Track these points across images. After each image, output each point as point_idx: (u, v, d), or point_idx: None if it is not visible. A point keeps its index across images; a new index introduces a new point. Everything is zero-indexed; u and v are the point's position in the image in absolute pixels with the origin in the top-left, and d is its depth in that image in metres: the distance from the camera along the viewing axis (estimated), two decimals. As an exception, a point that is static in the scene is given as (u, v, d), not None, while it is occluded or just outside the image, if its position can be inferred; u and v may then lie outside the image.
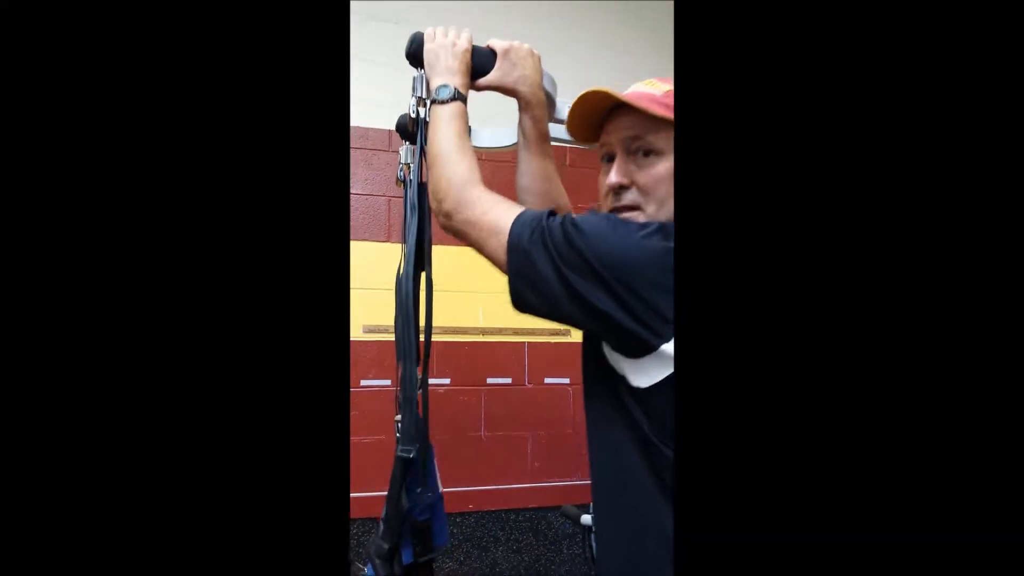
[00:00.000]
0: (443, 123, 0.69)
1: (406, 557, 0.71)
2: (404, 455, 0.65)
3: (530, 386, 1.77)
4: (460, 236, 0.65)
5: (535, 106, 0.78)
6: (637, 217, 0.62)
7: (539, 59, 0.79)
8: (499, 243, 0.59)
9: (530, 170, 0.80)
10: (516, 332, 1.77)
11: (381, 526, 0.71)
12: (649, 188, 0.61)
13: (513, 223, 0.59)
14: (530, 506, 1.69)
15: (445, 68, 0.72)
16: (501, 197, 0.64)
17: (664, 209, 0.61)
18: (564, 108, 0.94)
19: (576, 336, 1.83)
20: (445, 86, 0.71)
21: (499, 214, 0.61)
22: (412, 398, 0.67)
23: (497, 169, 1.79)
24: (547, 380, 1.78)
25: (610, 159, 0.65)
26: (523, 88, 0.76)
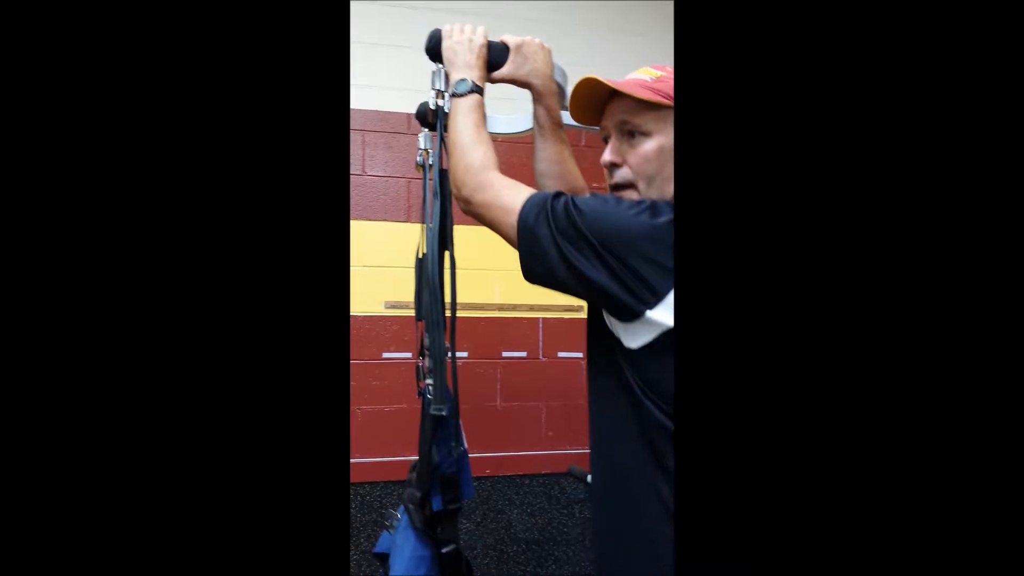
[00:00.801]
0: (462, 115, 0.76)
1: (436, 504, 0.79)
2: (437, 412, 0.74)
3: (544, 359, 1.85)
4: (478, 218, 0.72)
5: (547, 96, 0.84)
6: (630, 194, 0.69)
7: (549, 52, 0.85)
8: (511, 222, 0.66)
9: (546, 155, 0.87)
10: (531, 308, 1.85)
11: (413, 477, 0.80)
12: (638, 165, 0.68)
13: (523, 204, 0.66)
14: (543, 472, 1.79)
15: (463, 63, 0.78)
16: (514, 181, 0.71)
17: (654, 184, 0.67)
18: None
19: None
20: (463, 80, 0.77)
21: (511, 197, 0.68)
22: (442, 363, 0.75)
23: (513, 150, 1.85)
24: (560, 354, 1.86)
25: (607, 140, 0.72)
26: (535, 80, 0.83)
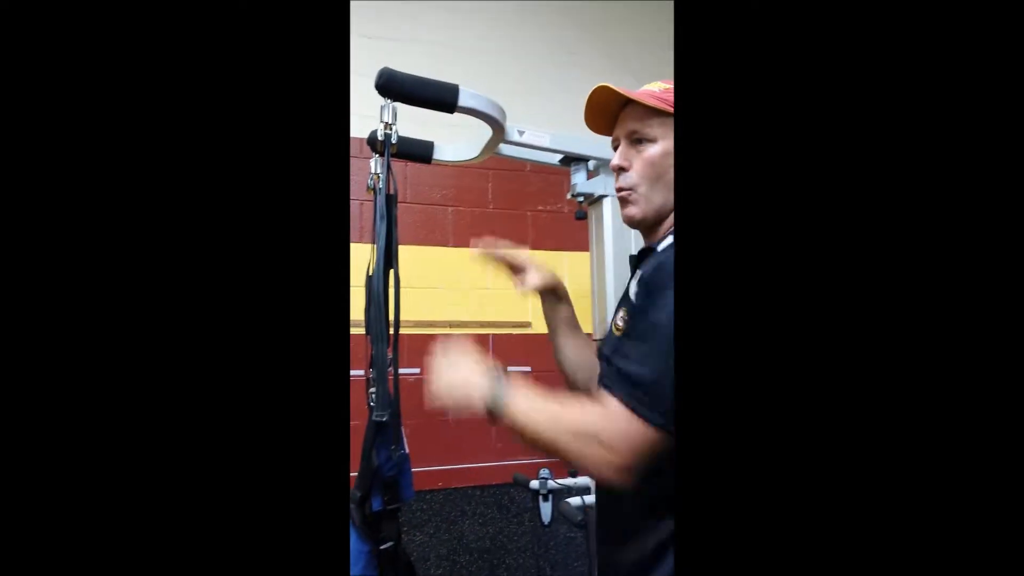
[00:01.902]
0: (522, 415, 0.69)
1: (375, 505, 0.85)
2: (378, 419, 0.80)
3: (495, 374, 1.93)
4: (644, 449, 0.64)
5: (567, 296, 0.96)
6: (633, 196, 0.76)
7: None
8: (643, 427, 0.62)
9: (573, 347, 0.97)
10: (482, 325, 1.92)
11: (356, 479, 0.86)
12: (642, 169, 0.75)
13: (636, 412, 0.62)
14: (494, 483, 1.85)
15: (481, 385, 0.73)
16: (598, 410, 0.66)
17: (656, 187, 0.75)
18: (513, 131, 1.10)
19: (537, 328, 1.98)
20: (496, 394, 0.71)
21: (637, 425, 0.62)
22: (384, 373, 0.82)
23: (463, 173, 1.95)
24: (510, 368, 1.94)
25: (617, 147, 0.81)
26: (560, 284, 0.95)
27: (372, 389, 0.87)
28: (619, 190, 0.79)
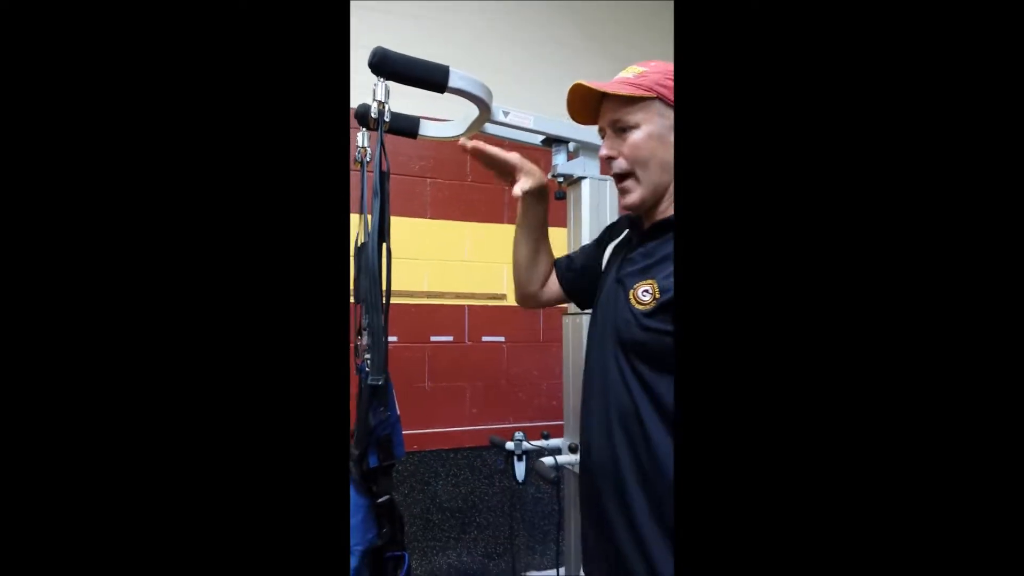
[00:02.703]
0: None
1: (372, 462, 0.92)
2: (374, 383, 0.86)
3: (469, 343, 2.00)
4: None
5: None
6: (630, 183, 0.79)
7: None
8: None
9: (537, 248, 1.00)
10: (458, 296, 1.98)
11: (352, 438, 0.92)
12: (631, 155, 0.78)
13: None
14: (467, 446, 1.95)
15: None
16: None
17: (649, 168, 0.77)
18: (498, 111, 1.14)
19: (511, 300, 2.05)
20: None
21: None
22: (379, 340, 0.87)
23: (441, 146, 1.99)
24: (484, 338, 2.01)
25: (604, 135, 0.84)
26: (547, 187, 0.95)
27: (367, 356, 0.93)
28: (615, 179, 0.82)
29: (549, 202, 0.98)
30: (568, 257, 1.05)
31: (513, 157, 0.93)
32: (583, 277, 0.99)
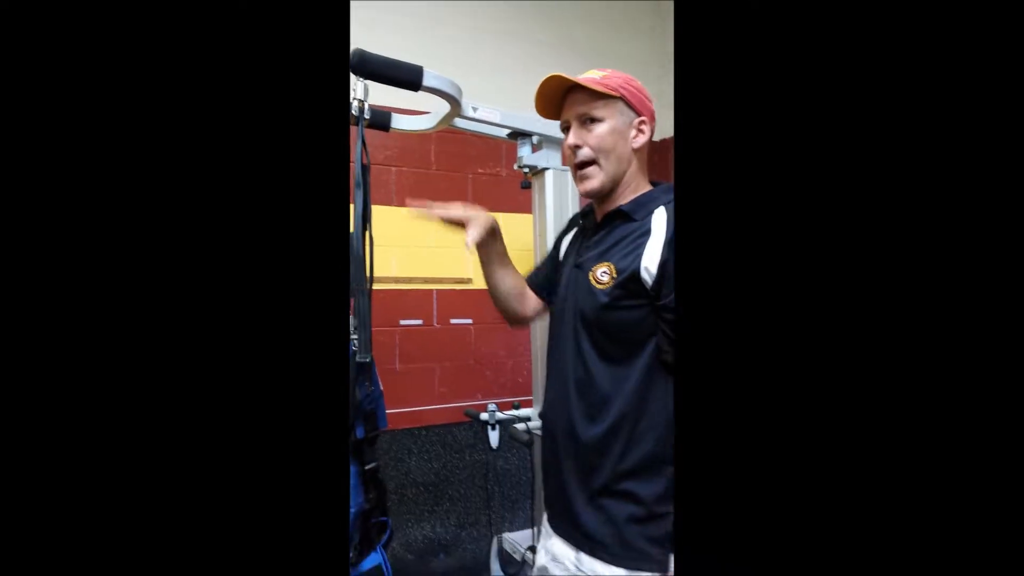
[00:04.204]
0: None
1: (359, 433, 1.01)
2: (363, 360, 0.95)
3: (438, 326, 2.08)
4: None
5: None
6: (593, 169, 0.88)
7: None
8: None
9: (509, 279, 1.04)
10: (426, 280, 2.06)
11: (342, 411, 1.01)
12: (596, 144, 0.87)
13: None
14: (438, 423, 2.04)
15: None
16: None
17: (610, 159, 0.87)
18: (468, 107, 1.23)
19: (478, 283, 2.13)
20: None
21: None
22: (366, 321, 0.96)
23: (408, 137, 2.04)
24: (452, 321, 2.10)
25: (567, 129, 0.92)
26: (496, 227, 0.99)
27: (353, 336, 1.01)
28: (577, 166, 0.91)
29: (500, 236, 1.01)
30: (535, 272, 1.12)
31: (459, 212, 0.96)
32: (553, 283, 1.07)
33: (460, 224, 0.96)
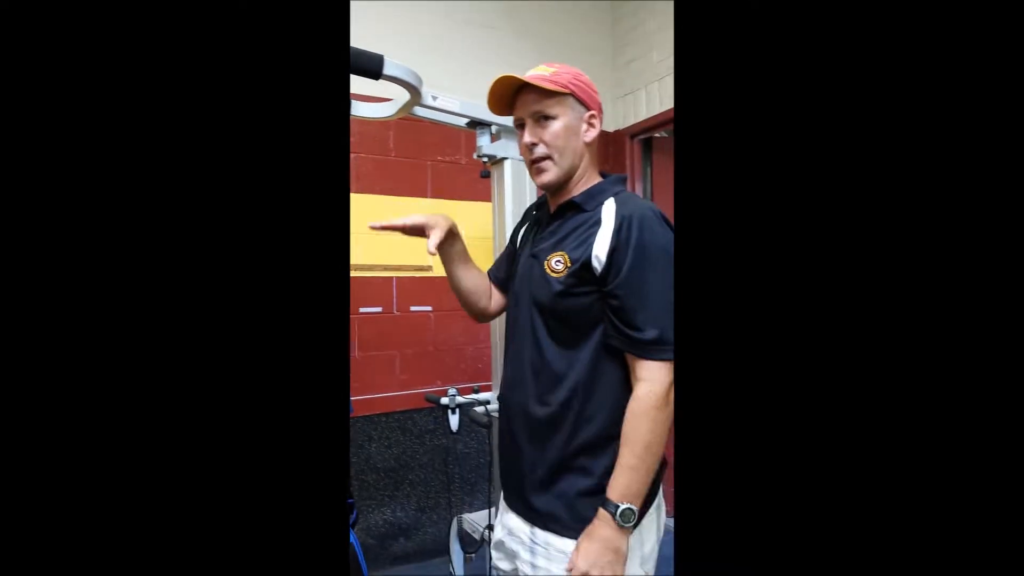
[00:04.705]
0: (640, 480, 0.83)
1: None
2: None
3: (398, 313, 2.09)
4: None
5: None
6: (548, 164, 0.91)
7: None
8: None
9: (471, 276, 1.07)
10: (386, 268, 2.07)
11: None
12: (551, 141, 0.89)
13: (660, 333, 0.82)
14: (398, 409, 2.06)
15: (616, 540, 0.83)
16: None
17: (565, 155, 0.90)
18: (427, 96, 1.24)
19: (438, 271, 2.15)
20: (623, 516, 0.82)
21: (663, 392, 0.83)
22: (327, 305, 0.97)
23: (368, 125, 2.03)
24: (412, 308, 2.12)
25: (521, 126, 0.94)
26: (454, 227, 1.01)
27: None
28: (533, 162, 0.94)
29: (460, 236, 1.03)
30: (495, 267, 1.15)
31: (418, 219, 0.97)
32: (513, 277, 1.09)
33: (421, 231, 0.97)
